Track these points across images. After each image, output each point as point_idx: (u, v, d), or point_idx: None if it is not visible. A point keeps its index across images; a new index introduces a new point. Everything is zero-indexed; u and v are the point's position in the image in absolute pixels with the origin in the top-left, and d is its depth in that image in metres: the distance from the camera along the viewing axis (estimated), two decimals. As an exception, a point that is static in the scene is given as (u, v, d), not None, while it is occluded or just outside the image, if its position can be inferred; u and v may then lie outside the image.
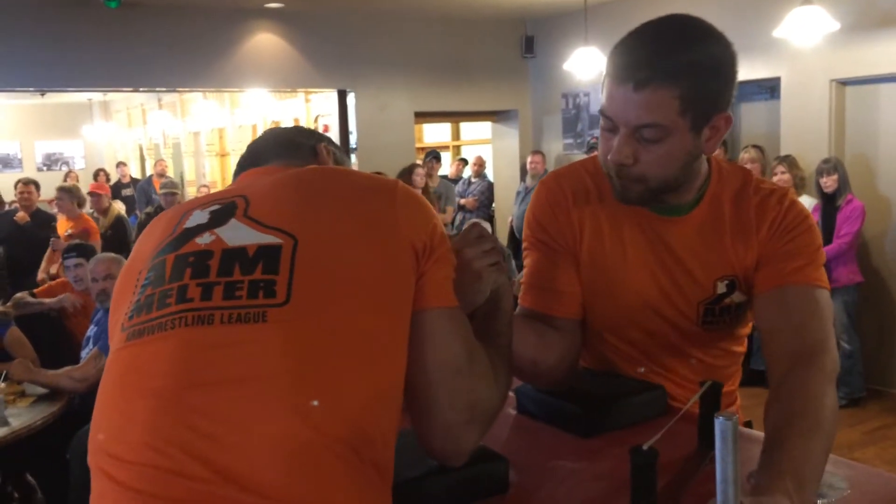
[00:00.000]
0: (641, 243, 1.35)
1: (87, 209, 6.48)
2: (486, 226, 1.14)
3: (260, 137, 1.19)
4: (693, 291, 1.34)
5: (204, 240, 0.92)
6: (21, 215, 6.12)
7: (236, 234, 0.91)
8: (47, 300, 4.32)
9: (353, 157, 7.41)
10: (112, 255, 3.86)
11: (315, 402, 0.81)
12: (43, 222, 6.16)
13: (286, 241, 0.89)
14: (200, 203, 1.00)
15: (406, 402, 0.95)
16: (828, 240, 4.91)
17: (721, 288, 1.33)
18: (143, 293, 0.91)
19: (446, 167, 9.40)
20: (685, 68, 1.16)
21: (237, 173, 1.15)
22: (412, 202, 0.98)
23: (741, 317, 1.38)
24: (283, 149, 1.14)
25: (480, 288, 1.09)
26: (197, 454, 0.78)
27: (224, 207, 0.96)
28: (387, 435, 0.88)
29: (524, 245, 1.46)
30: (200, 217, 0.96)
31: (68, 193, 6.22)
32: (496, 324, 1.11)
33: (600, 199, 1.36)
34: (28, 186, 6.24)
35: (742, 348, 1.49)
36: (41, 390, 3.45)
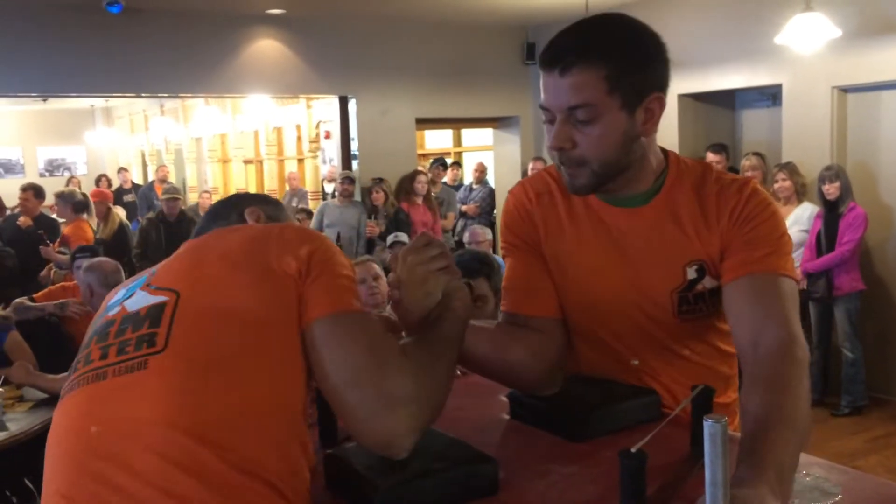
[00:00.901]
0: (604, 237, 1.37)
1: (86, 215, 6.46)
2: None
3: (198, 223, 1.35)
4: (663, 280, 1.35)
5: (113, 312, 1.09)
6: (23, 220, 6.12)
7: (136, 301, 1.07)
8: (47, 304, 4.32)
9: (355, 164, 7.42)
10: (97, 267, 3.80)
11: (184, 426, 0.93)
12: (46, 227, 6.17)
13: (171, 297, 1.04)
14: (127, 283, 1.18)
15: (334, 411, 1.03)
16: (830, 247, 4.91)
17: (691, 273, 1.34)
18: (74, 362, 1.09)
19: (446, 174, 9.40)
20: (608, 48, 1.24)
21: None
22: (286, 236, 1.10)
23: (717, 305, 1.37)
24: (212, 223, 1.29)
25: (428, 290, 1.17)
26: (97, 496, 0.92)
27: (137, 282, 1.13)
28: (278, 449, 0.96)
29: (501, 254, 1.50)
30: (120, 294, 1.13)
31: (62, 199, 6.24)
32: (439, 320, 1.16)
33: (563, 198, 1.41)
34: (26, 193, 6.23)
35: (733, 348, 1.46)
36: (40, 395, 3.45)
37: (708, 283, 1.34)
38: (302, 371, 1.02)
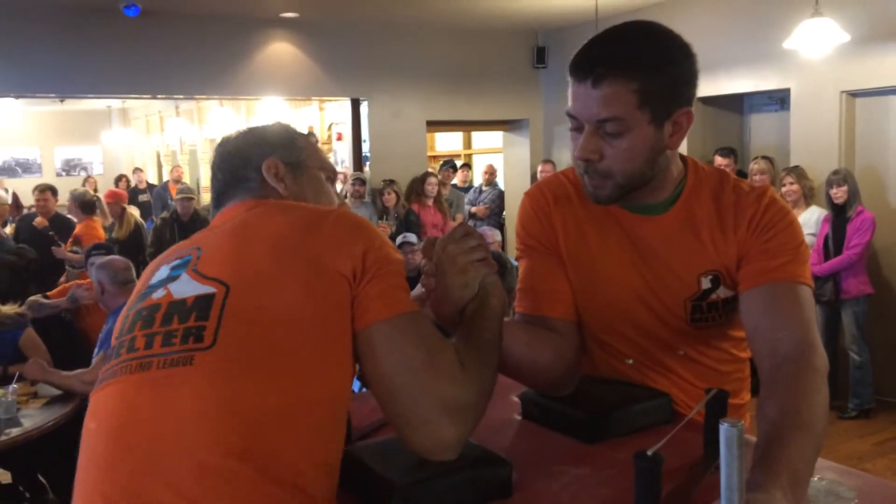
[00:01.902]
0: (623, 242, 1.37)
1: (97, 215, 6.54)
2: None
3: (214, 178, 1.26)
4: (678, 288, 1.35)
5: (157, 294, 1.05)
6: (39, 220, 6.22)
7: (182, 287, 1.03)
8: (60, 301, 4.38)
9: (366, 166, 7.47)
10: (108, 265, 3.86)
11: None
12: (61, 226, 6.26)
13: (219, 289, 1.00)
14: (168, 257, 1.12)
15: (383, 413, 1.03)
16: (838, 251, 4.90)
17: (705, 283, 1.34)
18: (113, 344, 1.06)
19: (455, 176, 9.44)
20: (641, 62, 1.21)
21: (211, 216, 1.26)
22: (341, 231, 1.05)
23: (731, 314, 1.37)
24: (234, 187, 1.22)
25: (466, 282, 1.15)
26: (133, 490, 0.90)
27: (182, 262, 1.08)
28: (317, 453, 0.95)
29: (516, 255, 1.48)
30: (162, 273, 1.08)
31: (73, 199, 6.32)
32: (481, 320, 1.13)
33: (581, 202, 1.39)
34: (44, 193, 6.31)
35: (746, 354, 1.47)
36: (54, 392, 3.49)
37: (722, 293, 1.34)
38: (349, 373, 1.00)
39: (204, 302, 0.99)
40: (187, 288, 1.02)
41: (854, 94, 5.31)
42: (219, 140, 1.29)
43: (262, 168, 1.20)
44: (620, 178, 1.26)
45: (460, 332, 1.12)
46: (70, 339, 4.27)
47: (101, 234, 6.24)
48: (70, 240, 6.05)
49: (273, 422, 0.92)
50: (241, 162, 1.22)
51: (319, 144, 10.40)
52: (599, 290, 1.39)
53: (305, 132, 1.32)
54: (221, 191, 1.23)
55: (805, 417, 1.04)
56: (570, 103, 1.27)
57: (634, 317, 1.39)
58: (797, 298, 1.24)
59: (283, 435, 0.92)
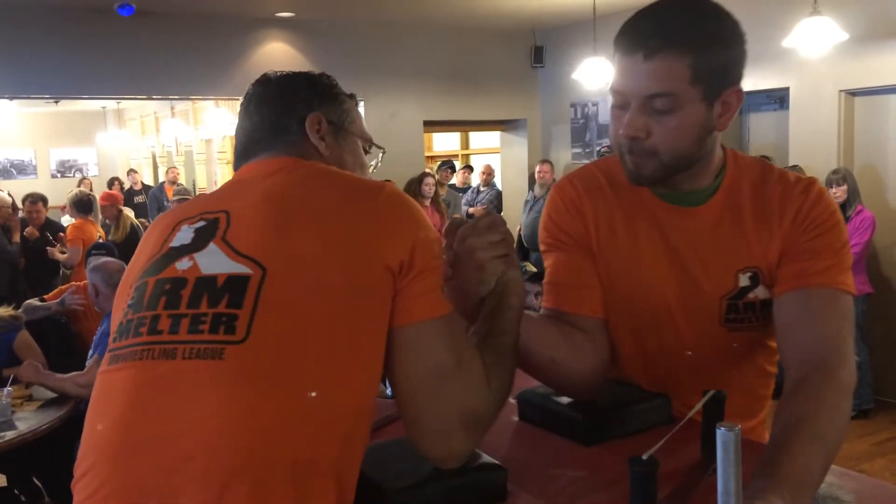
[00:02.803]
0: (656, 236, 1.30)
1: (94, 217, 6.49)
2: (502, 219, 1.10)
3: (247, 119, 1.14)
4: (714, 285, 1.28)
5: (182, 265, 0.94)
6: (29, 230, 6.12)
7: (211, 260, 0.93)
8: (52, 302, 4.36)
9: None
10: (102, 268, 3.84)
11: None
12: (52, 232, 6.20)
13: (255, 271, 0.91)
14: (189, 216, 1.01)
15: (399, 411, 0.98)
16: (837, 250, 4.90)
17: (744, 280, 1.26)
18: (126, 316, 0.95)
19: (454, 176, 9.43)
20: (695, 36, 1.15)
21: (236, 165, 1.14)
22: (392, 216, 0.97)
23: (767, 319, 1.28)
24: (271, 136, 1.10)
25: (483, 279, 1.07)
26: (142, 482, 0.84)
27: (208, 225, 0.98)
28: (339, 450, 0.88)
29: (542, 249, 1.42)
30: (185, 236, 0.98)
31: (69, 200, 6.28)
32: (500, 321, 1.07)
33: (614, 194, 1.34)
34: (36, 205, 6.16)
35: (774, 368, 1.40)
36: (49, 394, 3.47)
37: (761, 293, 1.27)
38: (379, 372, 0.95)
39: (237, 285, 0.90)
40: (218, 263, 0.92)
41: (853, 93, 5.30)
42: (258, 78, 1.17)
43: (305, 121, 1.10)
44: (667, 157, 1.19)
45: (479, 331, 1.07)
46: (65, 342, 4.26)
47: (94, 234, 6.19)
48: (57, 241, 6.02)
49: (298, 423, 0.86)
50: (282, 109, 1.11)
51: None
52: (629, 288, 1.32)
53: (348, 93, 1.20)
54: (254, 138, 1.11)
55: (820, 429, 1.01)
56: (615, 78, 1.20)
57: (664, 316, 1.32)
58: (836, 307, 1.18)
59: (306, 436, 0.86)
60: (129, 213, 7.44)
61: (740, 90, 1.20)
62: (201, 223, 0.98)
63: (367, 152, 1.23)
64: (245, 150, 1.13)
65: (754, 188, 1.28)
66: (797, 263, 1.21)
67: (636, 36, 1.16)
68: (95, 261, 3.97)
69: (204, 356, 0.86)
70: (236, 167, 1.13)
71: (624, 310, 1.34)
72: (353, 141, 1.17)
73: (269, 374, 0.87)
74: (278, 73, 1.18)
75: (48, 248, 5.90)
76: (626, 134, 1.19)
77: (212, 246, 0.95)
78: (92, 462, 0.88)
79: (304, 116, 1.11)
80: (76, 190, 6.63)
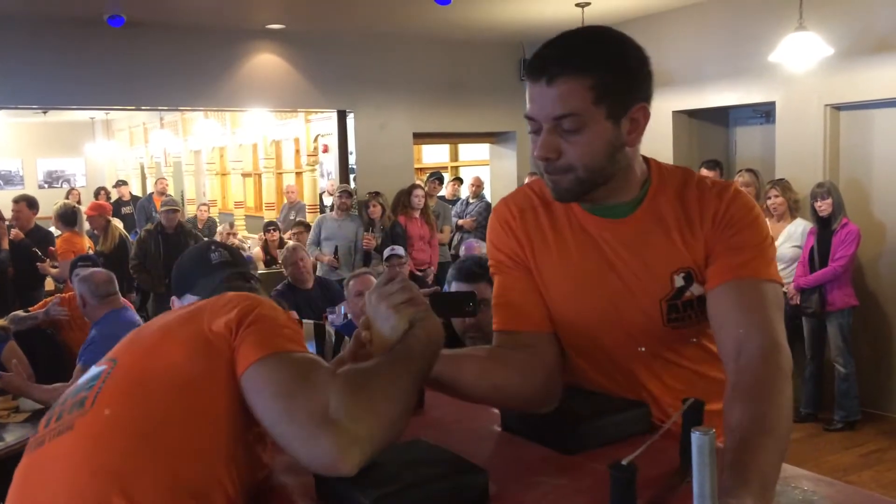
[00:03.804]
0: (589, 249, 1.37)
1: (80, 228, 6.44)
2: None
3: None
4: (652, 289, 1.35)
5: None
6: (15, 232, 6.09)
7: (86, 373, 1.16)
8: (38, 312, 4.34)
9: (353, 178, 7.46)
10: (89, 279, 3.82)
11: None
12: (40, 240, 6.16)
13: (109, 365, 1.12)
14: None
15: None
16: (823, 263, 4.94)
17: (679, 281, 1.34)
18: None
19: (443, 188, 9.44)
20: (595, 59, 1.24)
21: None
22: (219, 303, 1.16)
23: (706, 312, 1.35)
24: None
25: (392, 325, 1.18)
26: None
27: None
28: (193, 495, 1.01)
29: (490, 273, 1.49)
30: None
31: (54, 214, 6.23)
32: (397, 343, 1.16)
33: (546, 213, 1.41)
34: (18, 205, 6.13)
35: None
36: (36, 406, 3.45)
37: (696, 290, 1.34)
38: (231, 422, 1.06)
39: (94, 378, 1.10)
40: (90, 371, 1.14)
41: (838, 108, 5.36)
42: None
43: None
44: (581, 171, 1.27)
45: (385, 358, 1.14)
46: (52, 353, 4.23)
47: (83, 247, 6.16)
48: (48, 255, 5.97)
49: (141, 471, 0.99)
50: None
51: (305, 156, 10.41)
52: (570, 299, 1.39)
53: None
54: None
55: (771, 421, 1.07)
56: (528, 106, 1.29)
57: (609, 323, 1.38)
58: (762, 296, 1.25)
59: (151, 483, 0.99)
60: (117, 223, 7.42)
61: (646, 108, 1.29)
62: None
63: None
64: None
65: (677, 195, 1.36)
66: (722, 260, 1.30)
67: (541, 63, 1.26)
68: (82, 272, 3.96)
69: (60, 433, 1.06)
70: None
71: (570, 322, 1.41)
72: None
73: (109, 434, 1.02)
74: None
75: (38, 263, 5.85)
76: (539, 155, 1.28)
77: (92, 367, 1.18)
78: None
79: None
80: (61, 202, 6.57)
